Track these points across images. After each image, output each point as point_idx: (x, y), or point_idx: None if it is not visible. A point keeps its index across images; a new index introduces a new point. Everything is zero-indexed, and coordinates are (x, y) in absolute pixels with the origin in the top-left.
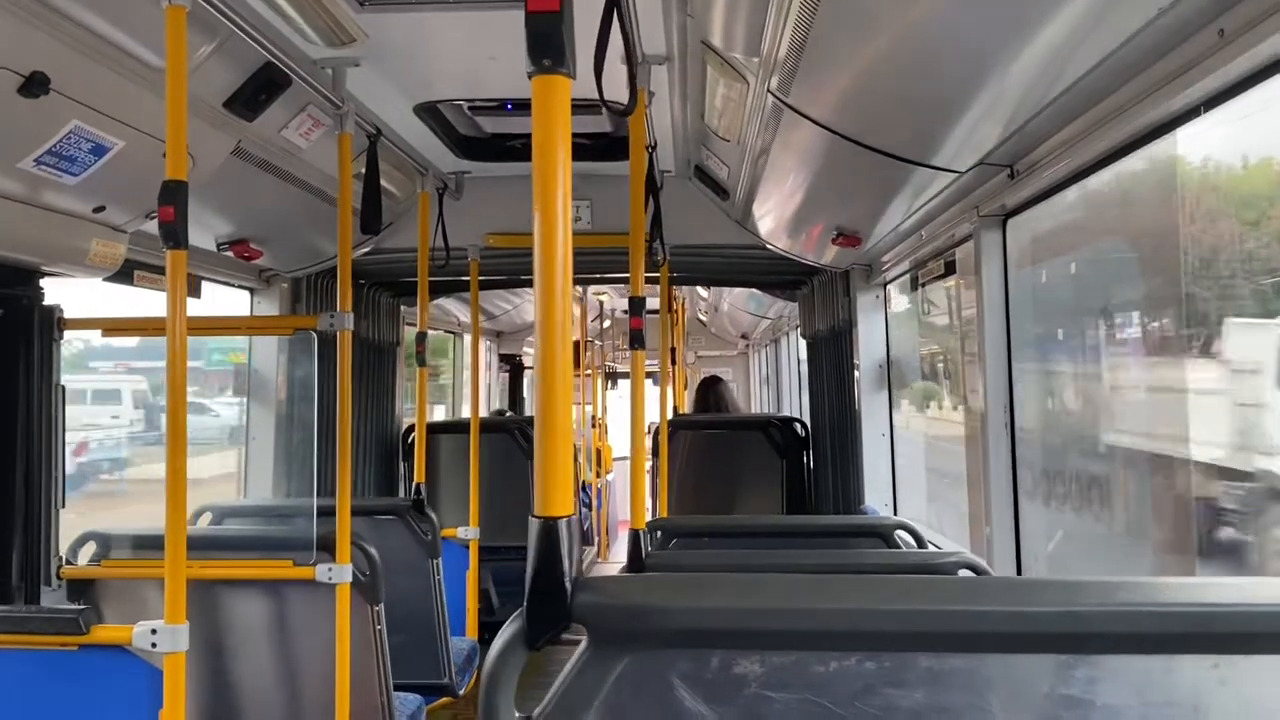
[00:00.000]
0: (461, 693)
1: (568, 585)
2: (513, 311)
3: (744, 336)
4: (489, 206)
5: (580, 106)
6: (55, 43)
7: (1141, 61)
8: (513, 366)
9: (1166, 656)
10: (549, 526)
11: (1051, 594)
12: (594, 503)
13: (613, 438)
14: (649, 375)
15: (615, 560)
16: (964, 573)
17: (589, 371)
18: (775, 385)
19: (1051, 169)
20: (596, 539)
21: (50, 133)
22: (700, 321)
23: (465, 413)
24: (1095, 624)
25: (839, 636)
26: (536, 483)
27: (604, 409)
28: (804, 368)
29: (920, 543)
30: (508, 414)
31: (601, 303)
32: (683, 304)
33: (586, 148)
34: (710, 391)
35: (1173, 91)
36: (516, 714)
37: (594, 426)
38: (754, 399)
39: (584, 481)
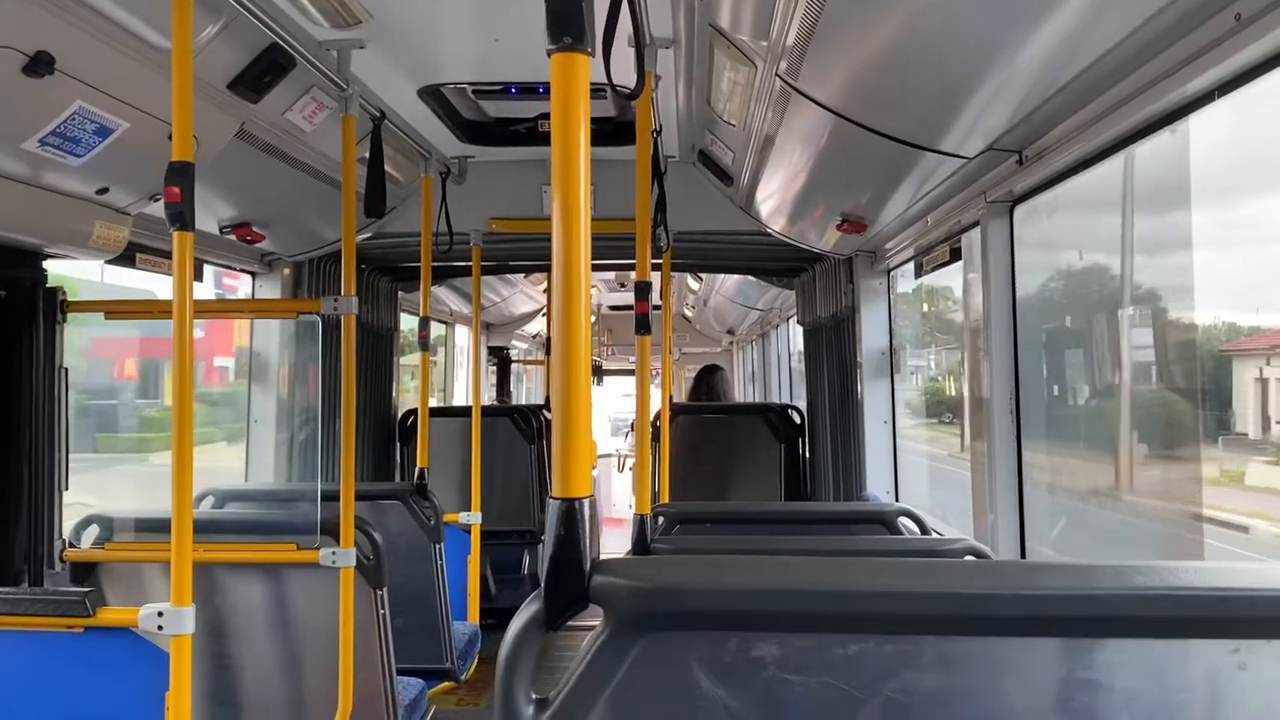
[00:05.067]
0: (463, 677)
1: (586, 566)
2: (502, 304)
3: (730, 332)
4: (492, 191)
5: None
6: (60, 22)
7: (1154, 46)
8: (500, 359)
9: (1184, 641)
10: (569, 507)
11: (1069, 577)
12: None
13: (595, 434)
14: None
15: (607, 553)
16: (969, 559)
17: None
18: (762, 380)
19: (1061, 155)
20: None
21: (54, 113)
22: (685, 318)
23: (457, 402)
24: (1112, 607)
25: (857, 619)
26: (555, 463)
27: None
28: (794, 361)
29: (924, 529)
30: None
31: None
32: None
33: (591, 132)
34: (707, 380)
35: (1186, 77)
36: (534, 695)
37: None
38: (741, 395)
39: None
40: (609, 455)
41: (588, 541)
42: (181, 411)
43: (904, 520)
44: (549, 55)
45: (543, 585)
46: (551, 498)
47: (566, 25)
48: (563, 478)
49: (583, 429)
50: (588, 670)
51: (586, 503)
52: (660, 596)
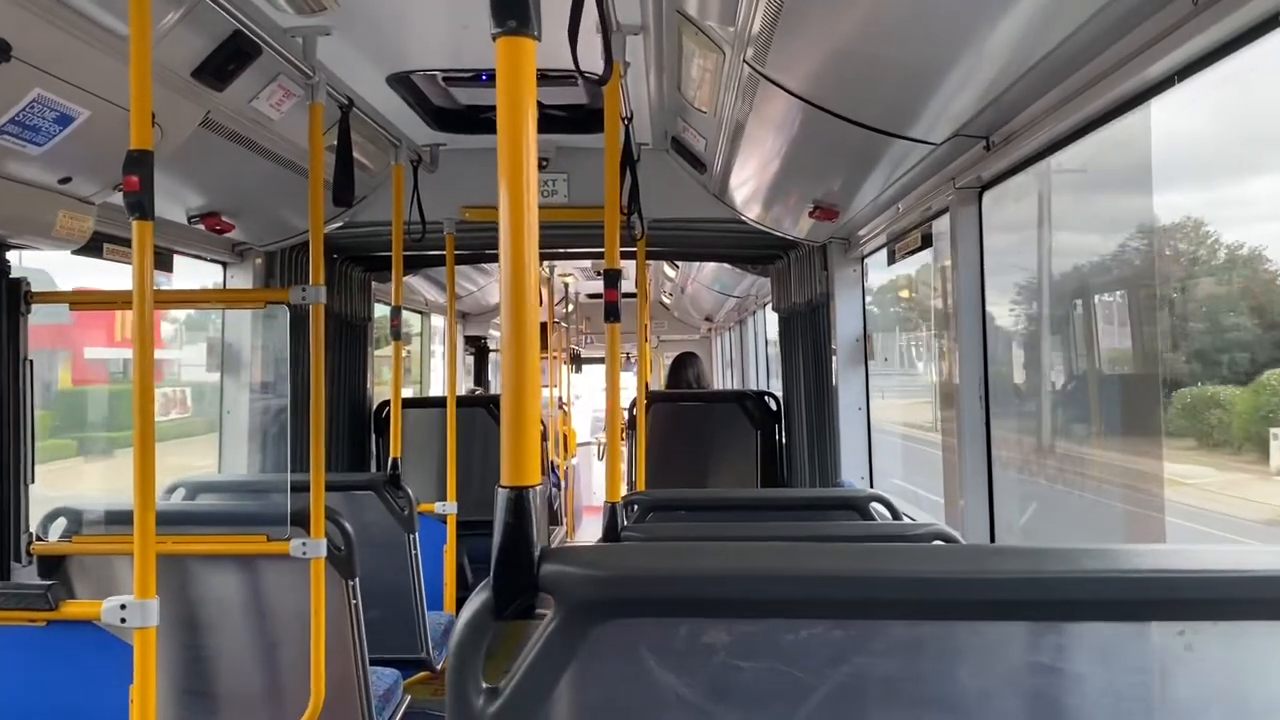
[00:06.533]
0: (439, 667)
1: (535, 555)
2: (478, 293)
3: (708, 319)
4: (464, 179)
5: (556, 77)
6: (16, 8)
7: (1116, 30)
8: (478, 349)
9: (1135, 624)
10: (517, 496)
11: (1020, 561)
12: (561, 484)
13: (575, 424)
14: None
15: (583, 541)
16: (937, 544)
17: (555, 354)
18: (740, 367)
19: (1028, 140)
20: (564, 519)
21: (12, 101)
22: (663, 305)
23: (432, 392)
24: (1064, 591)
25: (808, 604)
26: (503, 453)
27: (570, 394)
28: (771, 349)
29: (895, 515)
30: (477, 392)
31: (566, 285)
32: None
33: (563, 120)
34: (685, 367)
35: (1146, 61)
36: (484, 684)
37: (561, 409)
38: (718, 382)
39: (552, 462)
40: (589, 443)
41: (536, 530)
42: (143, 402)
43: (876, 506)
44: (494, 39)
45: (491, 574)
46: (500, 486)
47: (511, 7)
48: (511, 466)
49: (531, 418)
50: (537, 659)
51: (535, 491)
52: (609, 584)
